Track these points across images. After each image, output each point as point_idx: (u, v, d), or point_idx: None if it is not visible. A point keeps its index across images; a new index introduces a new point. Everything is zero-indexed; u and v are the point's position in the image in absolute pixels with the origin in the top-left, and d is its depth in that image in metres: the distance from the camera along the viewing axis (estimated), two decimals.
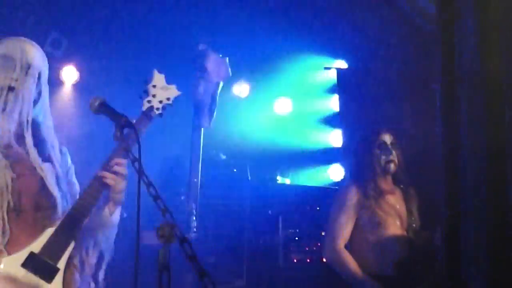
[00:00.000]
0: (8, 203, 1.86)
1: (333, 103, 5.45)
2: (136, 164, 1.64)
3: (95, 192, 1.97)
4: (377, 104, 4.87)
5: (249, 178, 4.83)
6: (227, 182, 4.72)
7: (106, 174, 1.99)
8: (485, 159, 1.85)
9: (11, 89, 1.94)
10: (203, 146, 4.33)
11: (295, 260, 4.98)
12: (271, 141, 5.20)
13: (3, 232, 1.83)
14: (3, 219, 1.84)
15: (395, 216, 2.98)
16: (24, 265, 1.80)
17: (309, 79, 5.48)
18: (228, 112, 4.83)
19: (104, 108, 1.85)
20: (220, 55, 4.09)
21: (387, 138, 3.08)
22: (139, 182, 1.66)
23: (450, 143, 1.92)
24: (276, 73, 5.26)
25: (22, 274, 1.79)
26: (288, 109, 5.49)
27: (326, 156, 5.42)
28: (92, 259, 2.03)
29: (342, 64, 5.53)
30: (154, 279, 1.32)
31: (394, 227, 2.97)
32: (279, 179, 5.17)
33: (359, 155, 3.11)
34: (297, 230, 5.01)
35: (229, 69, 4.12)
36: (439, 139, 1.98)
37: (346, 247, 3.05)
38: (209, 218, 4.47)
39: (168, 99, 2.22)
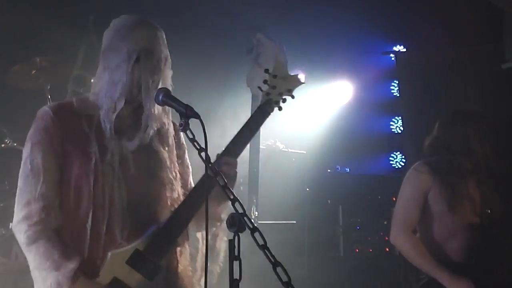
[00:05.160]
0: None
1: (393, 89, 5.30)
2: (203, 154, 1.62)
3: (203, 192, 1.81)
4: (439, 87, 4.69)
5: (308, 167, 4.77)
6: (286, 171, 4.67)
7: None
8: None
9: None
10: (261, 135, 4.30)
11: (356, 250, 4.91)
12: (330, 129, 5.11)
13: (124, 226, 1.80)
14: (123, 213, 1.80)
15: (467, 201, 2.83)
16: (129, 261, 1.76)
17: (367, 65, 5.34)
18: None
19: (169, 100, 1.80)
20: (277, 43, 4.03)
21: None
22: (206, 171, 1.64)
23: None
24: (333, 60, 5.16)
25: (126, 270, 1.75)
26: (346, 96, 5.38)
27: (386, 144, 5.28)
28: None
29: (401, 48, 5.36)
30: None
31: (466, 212, 2.82)
32: (339, 168, 5.08)
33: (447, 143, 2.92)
34: (358, 220, 4.93)
35: (286, 57, 4.05)
36: None
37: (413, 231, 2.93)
38: (269, 208, 4.45)
39: (289, 90, 1.99)
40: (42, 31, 4.09)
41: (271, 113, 2.00)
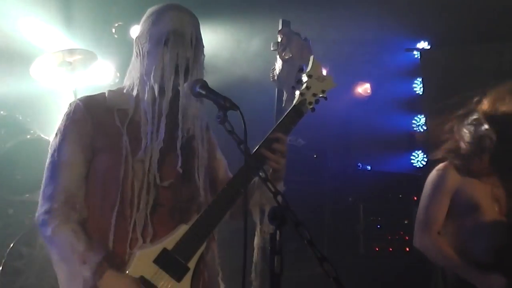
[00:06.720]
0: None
1: (416, 86, 5.24)
2: (242, 146, 1.60)
3: (237, 189, 1.76)
4: (464, 86, 4.61)
5: (329, 164, 4.74)
6: (307, 168, 4.64)
7: (267, 152, 1.84)
8: None
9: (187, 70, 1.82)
10: None
11: (376, 249, 4.86)
12: (351, 126, 5.07)
13: (146, 230, 1.74)
14: (146, 216, 1.74)
15: (492, 199, 2.78)
16: (156, 261, 1.71)
17: (390, 62, 5.29)
18: None
19: (206, 91, 1.76)
20: (303, 38, 4.00)
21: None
22: (245, 163, 1.62)
23: None
24: (355, 56, 5.11)
25: (153, 270, 1.71)
26: (368, 94, 5.33)
27: (408, 142, 5.23)
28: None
29: (425, 45, 5.29)
30: None
31: (492, 212, 2.77)
32: (360, 166, 5.04)
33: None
34: (379, 218, 4.88)
35: (312, 51, 4.02)
36: None
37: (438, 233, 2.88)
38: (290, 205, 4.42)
39: (323, 91, 1.97)
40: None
41: (305, 113, 1.95)
